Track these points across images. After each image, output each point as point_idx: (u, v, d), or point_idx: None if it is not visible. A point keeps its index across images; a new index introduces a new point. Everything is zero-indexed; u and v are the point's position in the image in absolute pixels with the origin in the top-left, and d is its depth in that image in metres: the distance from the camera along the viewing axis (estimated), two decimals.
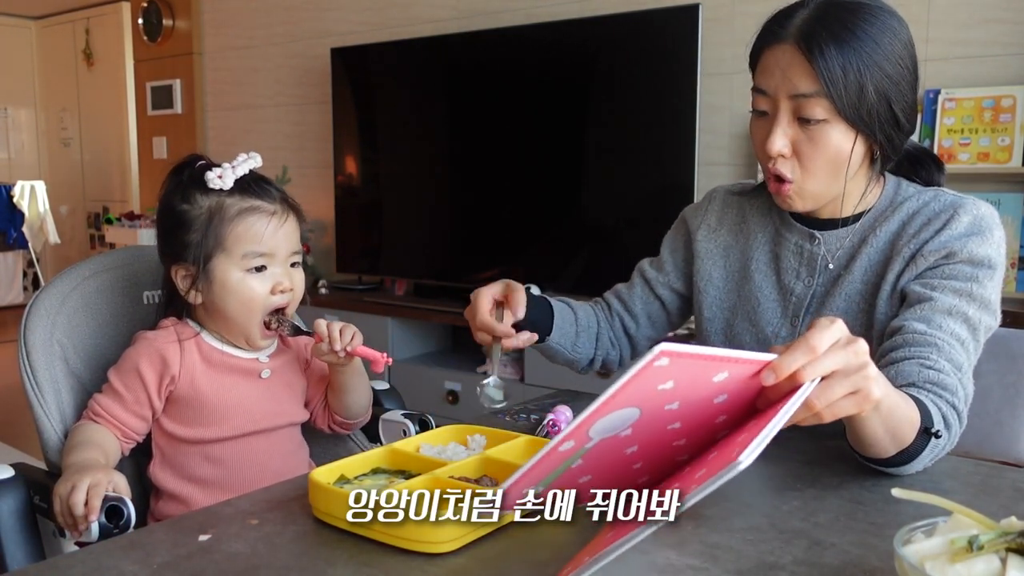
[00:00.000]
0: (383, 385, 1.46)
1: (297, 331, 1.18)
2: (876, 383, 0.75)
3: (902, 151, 1.11)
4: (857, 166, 1.08)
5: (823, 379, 0.73)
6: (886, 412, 0.81)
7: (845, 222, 1.14)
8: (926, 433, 0.87)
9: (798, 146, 1.06)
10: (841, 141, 1.04)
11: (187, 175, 1.15)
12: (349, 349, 1.13)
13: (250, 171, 1.15)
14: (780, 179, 1.09)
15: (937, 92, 2.35)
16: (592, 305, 1.36)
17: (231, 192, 1.13)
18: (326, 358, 1.16)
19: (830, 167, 1.06)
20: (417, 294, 3.34)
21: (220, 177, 1.12)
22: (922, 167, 1.19)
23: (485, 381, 1.14)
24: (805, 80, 1.01)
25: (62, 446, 1.16)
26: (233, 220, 1.12)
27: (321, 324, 1.13)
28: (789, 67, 1.02)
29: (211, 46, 4.33)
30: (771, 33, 1.05)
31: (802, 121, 1.04)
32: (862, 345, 0.74)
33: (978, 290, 1.02)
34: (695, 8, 2.58)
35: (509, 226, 3.13)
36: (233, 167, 1.13)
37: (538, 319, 1.22)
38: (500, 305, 1.16)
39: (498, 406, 1.14)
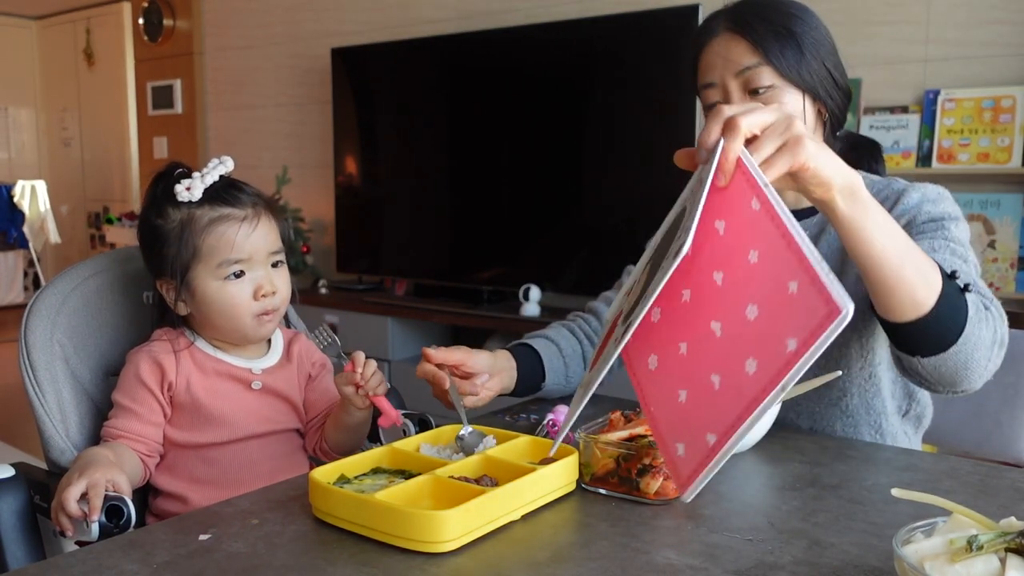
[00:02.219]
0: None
1: (337, 353, 1.15)
2: (809, 144, 0.78)
3: (845, 115, 1.18)
4: (811, 130, 1.13)
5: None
6: (877, 224, 0.84)
7: (805, 214, 1.19)
8: (951, 278, 0.91)
9: None
10: (793, 102, 1.11)
11: (160, 189, 1.15)
12: (371, 393, 1.09)
13: (221, 176, 1.14)
14: None
15: (937, 92, 2.35)
16: (570, 324, 1.34)
17: (201, 203, 1.12)
18: (346, 390, 1.11)
19: None
20: (417, 294, 3.34)
21: (188, 189, 1.11)
22: (864, 152, 1.25)
23: (461, 433, 0.99)
24: (747, 55, 1.10)
25: (63, 445, 1.16)
26: (204, 231, 1.11)
27: (360, 356, 1.09)
28: (728, 50, 1.11)
29: (211, 46, 4.34)
30: (704, 33, 1.15)
31: (753, 93, 1.10)
32: (790, 114, 0.79)
33: (951, 234, 1.07)
34: (695, 8, 2.58)
35: (509, 226, 3.13)
36: (203, 175, 1.13)
37: (528, 370, 1.22)
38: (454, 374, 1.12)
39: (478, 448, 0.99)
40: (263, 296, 1.13)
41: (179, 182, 1.12)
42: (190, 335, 1.18)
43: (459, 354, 1.12)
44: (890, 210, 1.10)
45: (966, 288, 0.92)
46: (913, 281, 0.88)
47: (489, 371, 1.15)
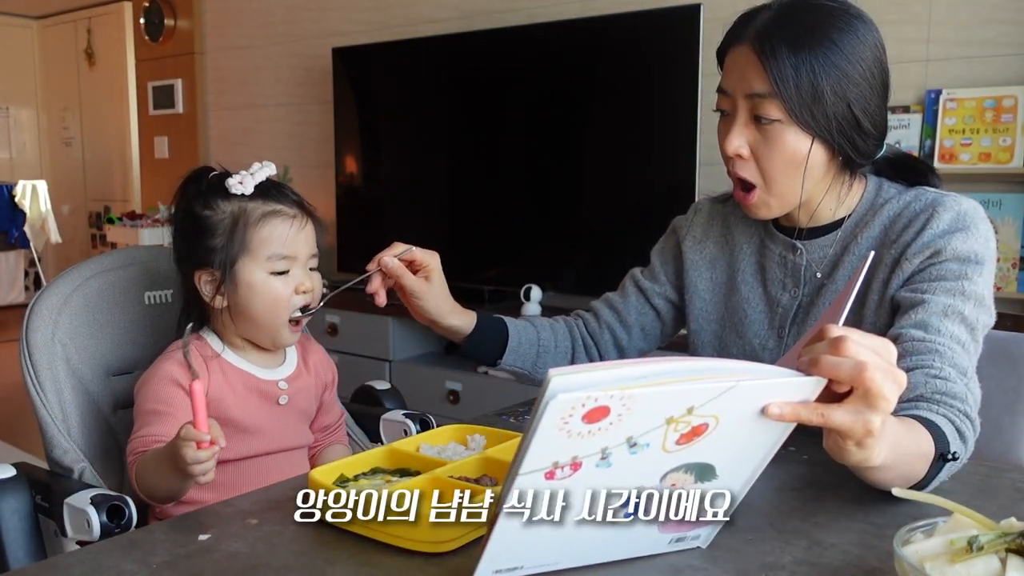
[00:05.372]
0: (384, 385, 1.47)
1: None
2: (881, 442, 0.71)
3: (873, 155, 1.10)
4: (821, 170, 1.07)
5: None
6: (892, 463, 0.77)
7: (826, 229, 1.13)
8: (942, 459, 0.84)
9: (756, 148, 1.05)
10: (797, 142, 1.03)
11: (206, 184, 1.16)
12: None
13: (267, 178, 1.17)
14: (744, 187, 1.09)
15: (938, 92, 2.35)
16: (570, 320, 1.34)
17: (252, 197, 1.14)
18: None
19: (789, 169, 1.05)
20: None
21: (241, 183, 1.14)
22: (909, 173, 1.15)
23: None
24: (758, 80, 1.02)
25: (65, 445, 1.16)
26: (257, 223, 1.14)
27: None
28: (745, 67, 1.03)
29: (212, 46, 4.33)
30: (733, 34, 1.07)
31: (758, 121, 1.04)
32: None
33: (970, 287, 1.00)
34: (696, 8, 2.58)
35: (510, 226, 3.13)
36: (252, 174, 1.15)
37: (490, 340, 1.24)
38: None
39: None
40: (303, 292, 1.16)
41: (230, 176, 1.15)
42: (216, 345, 1.17)
43: (400, 270, 1.14)
44: (919, 232, 1.04)
45: (953, 457, 0.85)
46: (896, 483, 0.80)
47: (419, 297, 1.16)
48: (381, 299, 1.15)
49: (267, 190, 1.16)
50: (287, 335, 1.18)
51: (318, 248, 1.23)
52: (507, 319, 1.27)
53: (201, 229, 1.14)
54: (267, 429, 1.17)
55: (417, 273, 1.16)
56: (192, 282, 1.16)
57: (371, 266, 1.14)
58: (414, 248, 1.15)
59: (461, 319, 1.21)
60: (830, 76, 1.00)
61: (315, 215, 1.21)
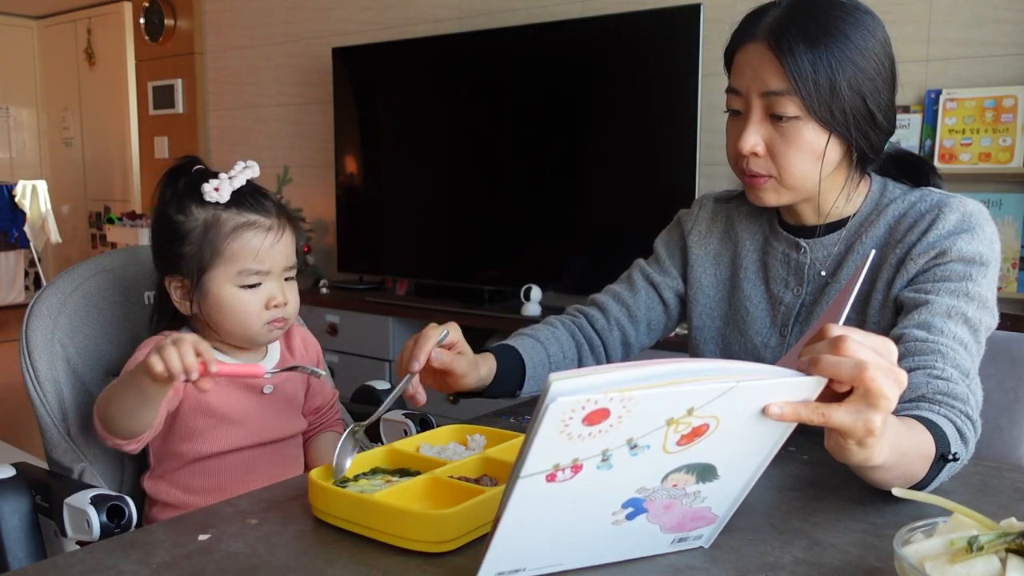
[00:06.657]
0: (384, 385, 1.46)
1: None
2: (881, 441, 0.71)
3: (883, 151, 1.10)
4: (834, 165, 1.07)
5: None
6: (893, 462, 0.77)
7: (831, 228, 1.13)
8: (943, 459, 0.84)
9: (772, 145, 1.05)
10: (814, 138, 1.03)
11: (183, 184, 1.12)
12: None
13: (248, 181, 1.12)
14: (754, 175, 1.08)
15: (938, 92, 2.35)
16: (567, 321, 1.29)
17: (227, 205, 1.09)
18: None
19: (805, 164, 1.05)
20: (418, 294, 3.34)
21: (217, 190, 1.08)
22: (912, 170, 1.15)
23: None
24: (775, 78, 1.01)
25: (65, 445, 1.16)
26: (229, 235, 1.09)
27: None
28: (760, 65, 1.02)
29: (212, 46, 4.34)
30: (743, 32, 1.06)
31: (775, 119, 1.03)
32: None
33: (974, 288, 1.01)
34: (696, 8, 2.58)
35: (510, 226, 3.13)
36: (230, 178, 1.10)
37: (508, 376, 1.15)
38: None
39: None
40: (275, 306, 1.12)
41: (207, 181, 1.09)
42: None
43: (449, 359, 1.03)
44: (924, 233, 1.04)
45: (953, 458, 0.85)
46: (896, 483, 0.80)
47: (464, 375, 1.06)
48: (422, 397, 1.02)
49: (244, 198, 1.10)
50: (265, 336, 1.14)
51: (304, 244, 1.19)
52: (516, 345, 1.19)
53: (172, 235, 1.11)
54: (253, 419, 1.16)
55: (451, 350, 1.05)
56: (164, 284, 1.15)
57: (413, 367, 0.99)
58: (447, 329, 1.04)
59: (487, 368, 1.12)
60: (846, 71, 1.00)
61: (295, 223, 1.16)
